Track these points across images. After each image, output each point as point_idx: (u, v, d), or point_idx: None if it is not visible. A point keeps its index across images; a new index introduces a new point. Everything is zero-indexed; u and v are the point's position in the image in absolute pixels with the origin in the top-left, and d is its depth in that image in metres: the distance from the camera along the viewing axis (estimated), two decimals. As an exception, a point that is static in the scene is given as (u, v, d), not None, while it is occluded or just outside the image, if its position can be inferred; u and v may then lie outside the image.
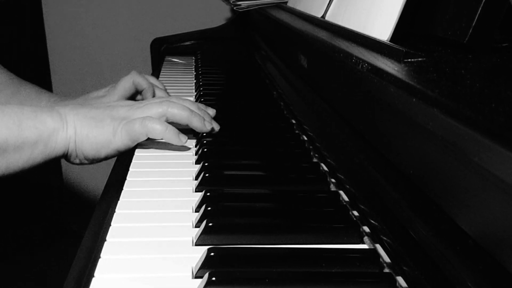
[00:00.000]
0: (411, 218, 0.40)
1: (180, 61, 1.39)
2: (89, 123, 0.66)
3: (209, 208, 0.51)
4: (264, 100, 0.96)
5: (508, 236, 0.30)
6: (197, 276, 0.42)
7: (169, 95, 0.89)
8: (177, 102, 0.71)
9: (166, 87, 1.10)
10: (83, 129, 0.66)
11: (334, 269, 0.43)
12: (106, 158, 0.68)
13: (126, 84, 0.86)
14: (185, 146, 0.70)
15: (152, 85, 0.88)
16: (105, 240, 0.47)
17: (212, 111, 0.79)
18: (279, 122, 0.83)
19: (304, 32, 0.78)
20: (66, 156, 0.67)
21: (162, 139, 0.67)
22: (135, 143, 0.67)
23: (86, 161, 0.68)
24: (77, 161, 0.68)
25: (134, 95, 0.89)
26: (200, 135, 0.74)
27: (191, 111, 0.70)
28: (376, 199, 0.47)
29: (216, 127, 0.74)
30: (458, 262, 0.33)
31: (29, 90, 0.89)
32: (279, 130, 0.79)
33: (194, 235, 0.48)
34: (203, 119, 0.72)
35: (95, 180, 1.80)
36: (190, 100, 0.74)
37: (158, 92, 0.89)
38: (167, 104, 0.69)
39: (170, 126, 0.67)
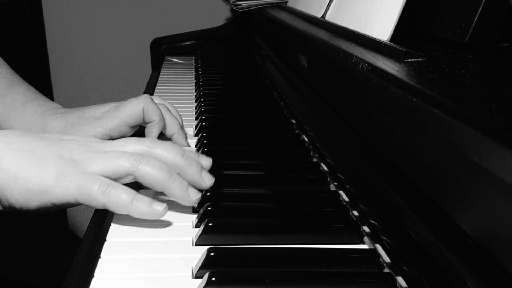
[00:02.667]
0: (411, 218, 0.40)
1: (180, 61, 1.39)
2: (23, 158, 0.49)
3: (209, 208, 0.51)
4: (264, 100, 0.96)
5: (508, 236, 0.30)
6: (197, 276, 0.42)
7: (181, 126, 0.70)
8: (153, 159, 0.51)
9: (166, 87, 1.10)
10: (13, 165, 0.48)
11: (334, 269, 0.43)
12: (40, 210, 0.49)
13: (133, 109, 0.65)
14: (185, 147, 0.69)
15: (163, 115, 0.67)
16: (105, 240, 0.47)
17: (207, 162, 0.58)
18: (279, 122, 0.83)
19: (304, 32, 0.78)
20: None
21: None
22: (79, 205, 0.49)
23: (10, 210, 0.50)
24: (0, 207, 0.50)
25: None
26: (200, 134, 0.74)
27: (170, 174, 0.50)
28: (376, 199, 0.47)
29: (209, 181, 0.54)
30: (458, 262, 0.33)
31: (15, 96, 0.74)
32: (279, 130, 0.79)
33: (194, 235, 0.48)
34: (187, 185, 0.51)
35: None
36: (176, 148, 0.53)
37: (168, 119, 0.68)
38: (138, 159, 0.50)
39: (139, 196, 0.49)
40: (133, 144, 0.53)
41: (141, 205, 0.48)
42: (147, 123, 0.66)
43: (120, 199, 0.48)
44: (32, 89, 0.77)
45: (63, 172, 0.48)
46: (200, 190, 0.54)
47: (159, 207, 0.49)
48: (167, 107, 0.69)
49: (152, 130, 0.66)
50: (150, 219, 0.49)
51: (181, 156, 0.53)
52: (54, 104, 0.75)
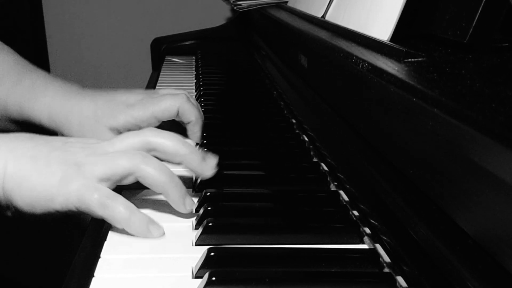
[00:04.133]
0: (411, 218, 0.40)
1: (180, 61, 1.39)
2: (27, 165, 0.48)
3: (209, 208, 0.51)
4: (264, 100, 0.96)
5: (508, 236, 0.30)
6: (197, 276, 0.42)
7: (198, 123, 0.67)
8: (154, 160, 0.50)
9: (166, 87, 1.10)
10: (17, 172, 0.48)
11: (334, 269, 0.43)
12: (46, 217, 0.49)
13: (169, 107, 0.63)
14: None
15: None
16: (105, 240, 0.47)
17: (213, 161, 0.55)
18: (279, 122, 0.83)
19: (304, 32, 0.78)
20: None
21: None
22: (80, 213, 0.49)
23: (18, 215, 0.50)
24: (8, 213, 0.50)
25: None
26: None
27: (171, 177, 0.50)
28: (376, 199, 0.47)
29: (210, 171, 0.54)
30: (458, 262, 0.33)
31: (34, 80, 0.72)
32: (279, 130, 0.79)
33: (194, 235, 0.48)
34: (185, 193, 0.51)
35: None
36: (176, 137, 0.53)
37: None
38: (140, 159, 0.49)
39: (138, 214, 0.48)
40: (133, 137, 0.52)
41: (138, 225, 0.48)
42: (186, 123, 0.66)
43: (118, 213, 0.47)
44: (45, 71, 0.76)
45: (66, 178, 0.48)
46: (201, 187, 0.54)
47: (155, 231, 0.48)
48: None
49: (195, 130, 0.66)
50: (143, 237, 0.48)
51: (182, 143, 0.53)
52: (75, 84, 0.72)
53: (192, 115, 0.65)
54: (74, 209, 0.48)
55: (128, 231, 0.48)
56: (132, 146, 0.52)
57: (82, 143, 0.53)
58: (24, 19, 1.68)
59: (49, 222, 0.50)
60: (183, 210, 0.51)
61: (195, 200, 0.55)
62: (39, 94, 0.69)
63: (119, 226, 0.48)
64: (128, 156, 0.50)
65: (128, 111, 0.64)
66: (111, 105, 0.65)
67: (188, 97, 0.66)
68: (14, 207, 0.49)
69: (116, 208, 0.47)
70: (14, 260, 0.81)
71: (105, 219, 0.48)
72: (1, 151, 0.49)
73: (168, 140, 0.52)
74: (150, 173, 0.49)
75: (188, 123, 0.66)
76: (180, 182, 0.51)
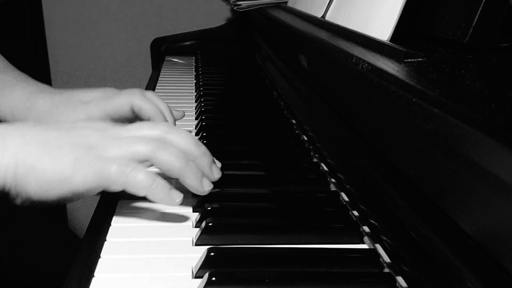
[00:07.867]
0: (411, 218, 0.40)
1: (180, 61, 1.39)
2: (38, 149, 0.47)
3: (209, 208, 0.51)
4: (264, 100, 0.96)
5: (508, 236, 0.30)
6: (197, 276, 0.42)
7: (173, 125, 0.64)
8: (170, 146, 0.50)
9: (166, 88, 1.10)
10: (29, 157, 0.47)
11: (334, 269, 0.43)
12: (59, 201, 0.48)
13: (120, 104, 0.63)
14: None
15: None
16: (105, 240, 0.47)
17: (219, 164, 0.56)
18: (279, 122, 0.83)
19: (304, 32, 0.78)
20: (2, 193, 0.47)
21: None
22: (100, 190, 0.48)
23: (28, 203, 0.48)
24: (18, 201, 0.48)
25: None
26: (200, 134, 0.74)
27: (187, 162, 0.50)
28: (376, 199, 0.47)
29: (217, 175, 0.54)
30: (458, 262, 0.33)
31: (5, 78, 0.71)
32: (279, 130, 0.79)
33: (194, 235, 0.48)
34: (201, 175, 0.51)
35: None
36: (190, 137, 0.53)
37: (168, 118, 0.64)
38: (156, 145, 0.49)
39: (159, 180, 0.48)
40: (148, 129, 0.52)
41: (160, 191, 0.48)
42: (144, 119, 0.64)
43: (139, 180, 0.47)
44: (23, 73, 0.74)
45: (80, 159, 0.47)
46: None
47: (176, 197, 0.49)
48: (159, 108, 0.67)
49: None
50: (165, 204, 0.49)
51: (196, 145, 0.52)
52: (45, 85, 0.71)
53: (150, 111, 0.63)
54: (93, 186, 0.47)
55: (151, 198, 0.48)
56: (147, 136, 0.51)
57: (91, 127, 0.52)
58: (24, 19, 1.68)
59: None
60: (201, 192, 0.51)
61: (195, 200, 0.55)
62: (6, 92, 0.69)
63: (142, 193, 0.48)
64: (145, 141, 0.49)
65: (81, 108, 0.64)
66: (66, 103, 0.65)
67: (142, 94, 0.64)
68: (26, 194, 0.47)
69: (137, 175, 0.47)
70: (14, 261, 0.81)
71: (126, 190, 0.48)
72: (12, 137, 0.48)
73: (182, 139, 0.52)
74: (167, 159, 0.49)
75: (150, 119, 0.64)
76: (195, 167, 0.51)
